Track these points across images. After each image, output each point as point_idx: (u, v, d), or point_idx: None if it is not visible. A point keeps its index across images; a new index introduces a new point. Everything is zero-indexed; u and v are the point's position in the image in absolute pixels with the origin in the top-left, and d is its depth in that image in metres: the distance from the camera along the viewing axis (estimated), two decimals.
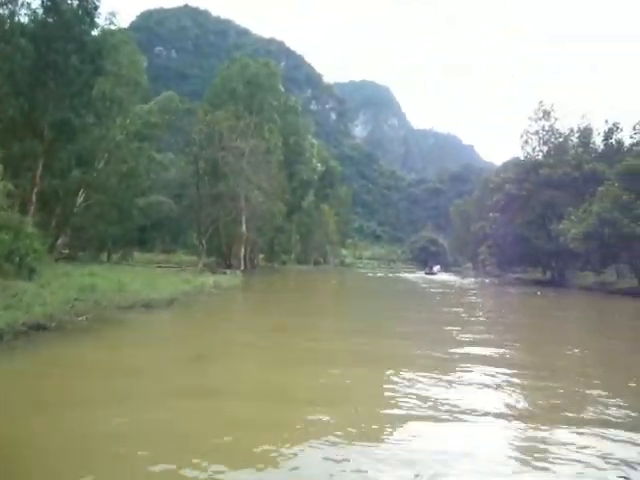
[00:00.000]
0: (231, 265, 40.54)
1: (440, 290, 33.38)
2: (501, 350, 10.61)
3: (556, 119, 45.94)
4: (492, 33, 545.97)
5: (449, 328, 13.58)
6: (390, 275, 65.71)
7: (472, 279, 59.01)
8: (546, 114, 46.14)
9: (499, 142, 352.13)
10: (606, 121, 58.20)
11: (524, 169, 44.71)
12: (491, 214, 45.15)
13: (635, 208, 29.74)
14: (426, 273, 71.50)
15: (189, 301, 17.38)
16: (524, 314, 20.88)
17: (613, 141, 57.91)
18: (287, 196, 46.78)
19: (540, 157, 45.65)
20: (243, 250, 41.12)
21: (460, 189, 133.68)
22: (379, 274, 66.90)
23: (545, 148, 46.03)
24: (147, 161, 37.43)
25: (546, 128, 46.19)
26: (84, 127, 23.41)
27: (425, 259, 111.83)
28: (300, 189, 55.88)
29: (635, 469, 4.17)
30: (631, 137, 56.70)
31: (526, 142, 46.73)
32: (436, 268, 79.29)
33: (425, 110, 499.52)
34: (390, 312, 19.22)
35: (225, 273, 33.13)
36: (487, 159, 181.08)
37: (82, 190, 27.40)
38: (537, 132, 46.46)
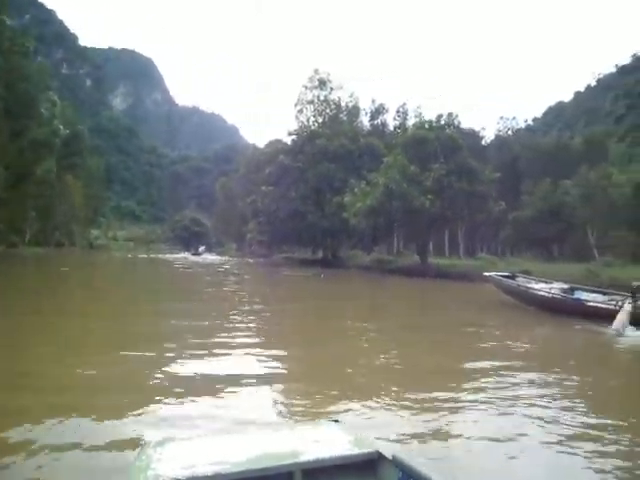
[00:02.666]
0: None
1: (208, 277, 26.69)
2: None
3: (332, 89, 42.14)
4: (260, 14, 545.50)
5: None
6: (152, 256, 57.22)
7: (240, 259, 53.45)
8: (322, 83, 42.06)
9: (263, 126, 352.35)
10: (373, 101, 57.46)
11: (299, 139, 39.99)
12: (263, 188, 39.58)
13: (423, 180, 26.48)
14: (192, 254, 66.05)
15: None
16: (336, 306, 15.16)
17: (379, 121, 57.47)
18: (7, 158, 35.14)
19: (316, 127, 41.34)
20: None
21: (225, 168, 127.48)
22: (140, 256, 57.75)
23: (320, 119, 41.95)
24: None
25: (321, 98, 42.13)
26: None
27: (188, 239, 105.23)
28: (32, 152, 43.70)
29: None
30: (394, 119, 56.96)
31: (301, 111, 42.16)
32: (202, 249, 74.19)
33: (190, 87, 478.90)
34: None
35: None
36: (252, 141, 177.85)
37: None
38: (312, 101, 42.17)
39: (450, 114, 31.61)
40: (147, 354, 7.24)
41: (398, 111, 56.29)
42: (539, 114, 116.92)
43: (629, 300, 9.86)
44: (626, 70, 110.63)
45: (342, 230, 38.10)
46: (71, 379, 5.86)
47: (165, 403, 4.99)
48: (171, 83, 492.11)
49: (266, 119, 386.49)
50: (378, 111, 57.02)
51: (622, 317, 9.19)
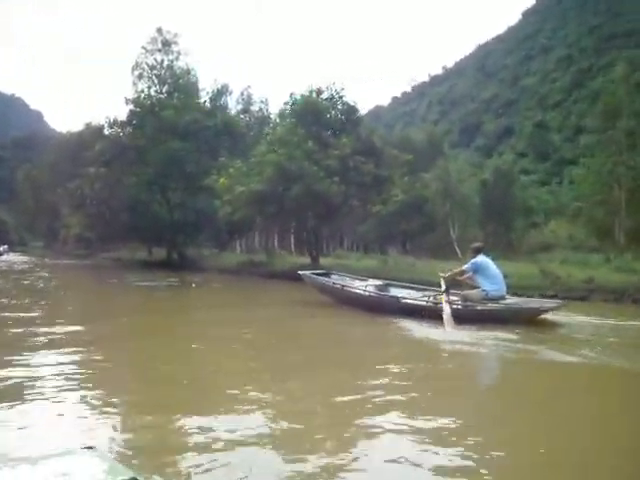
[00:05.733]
0: None
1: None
2: None
3: (179, 54, 33.37)
4: None
5: None
6: None
7: (55, 261, 41.97)
8: (166, 45, 33.13)
9: (74, 112, 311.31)
10: (215, 80, 50.14)
11: (139, 111, 30.68)
12: (92, 169, 29.62)
13: (322, 159, 19.87)
14: None
15: None
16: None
17: (221, 103, 50.06)
18: None
19: (162, 97, 32.19)
20: None
21: (26, 156, 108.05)
22: None
23: (165, 88, 32.96)
24: None
25: (165, 63, 33.20)
26: None
27: None
28: None
29: None
30: (238, 102, 50.07)
31: (140, 77, 32.70)
32: (3, 248, 61.64)
33: None
34: None
35: None
36: (59, 129, 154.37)
37: None
38: (155, 67, 33.01)
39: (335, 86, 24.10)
40: None
41: (242, 94, 49.69)
42: None
43: (444, 296, 9.46)
44: (437, 80, 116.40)
45: (195, 224, 30.07)
46: None
47: None
48: None
49: (78, 104, 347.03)
50: (221, 92, 49.54)
51: (448, 316, 8.82)
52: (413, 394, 5.08)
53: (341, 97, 22.84)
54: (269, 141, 21.50)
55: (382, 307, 10.00)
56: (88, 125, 57.99)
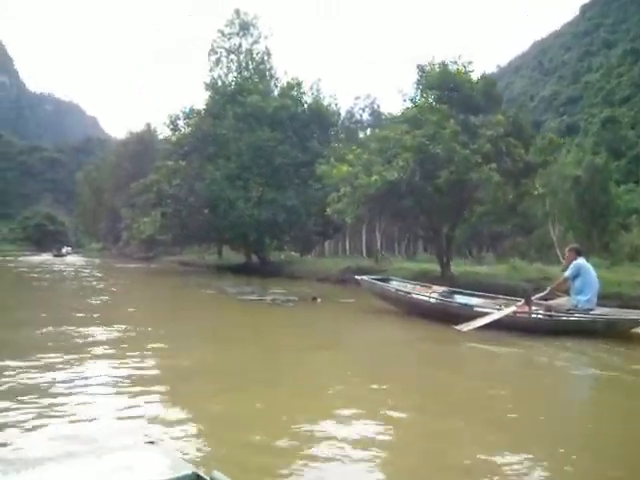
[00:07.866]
0: None
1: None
2: None
3: (259, 36, 29.40)
4: None
5: None
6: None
7: (121, 264, 38.60)
8: (244, 28, 29.17)
9: (128, 117, 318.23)
10: (285, 72, 46.46)
11: (220, 97, 26.76)
12: (170, 162, 25.81)
13: (470, 141, 15.34)
14: (54, 255, 54.36)
15: None
16: None
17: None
18: None
19: (240, 82, 28.21)
20: None
21: (83, 160, 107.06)
22: None
23: (247, 74, 29.03)
24: None
25: (244, 47, 29.27)
26: None
27: (40, 239, 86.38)
28: None
29: None
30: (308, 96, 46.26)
31: (218, 62, 28.88)
32: (65, 250, 62.61)
33: (44, 71, 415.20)
34: None
35: None
36: (113, 134, 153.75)
37: None
38: (233, 51, 29.10)
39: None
40: None
41: (312, 87, 45.65)
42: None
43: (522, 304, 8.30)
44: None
45: (283, 224, 25.89)
46: None
47: None
48: (23, 66, 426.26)
49: (132, 110, 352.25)
50: (292, 85, 45.77)
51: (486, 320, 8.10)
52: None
53: (468, 72, 18.21)
54: (397, 122, 17.05)
55: (453, 317, 8.56)
56: (148, 126, 55.04)
